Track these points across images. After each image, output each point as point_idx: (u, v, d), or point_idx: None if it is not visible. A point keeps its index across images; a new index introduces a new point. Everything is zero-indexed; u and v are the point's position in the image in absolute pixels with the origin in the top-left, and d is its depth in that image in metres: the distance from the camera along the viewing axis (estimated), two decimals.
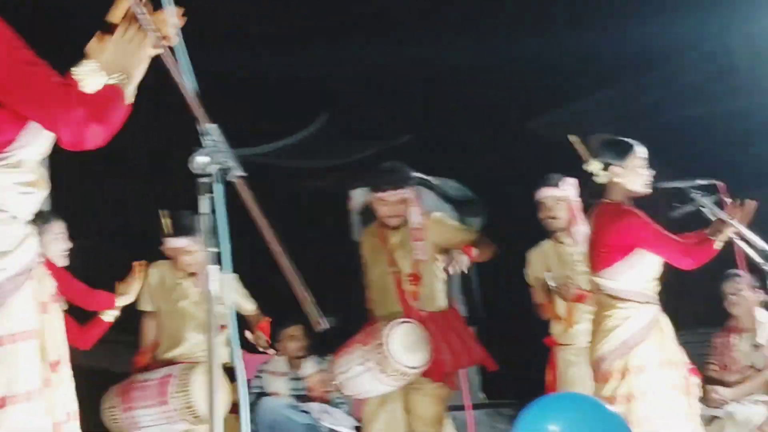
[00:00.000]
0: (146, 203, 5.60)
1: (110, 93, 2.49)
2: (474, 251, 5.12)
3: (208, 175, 2.30)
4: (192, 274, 5.51)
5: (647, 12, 9.38)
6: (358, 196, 5.44)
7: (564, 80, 10.31)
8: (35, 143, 2.46)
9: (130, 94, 2.55)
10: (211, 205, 2.31)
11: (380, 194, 5.20)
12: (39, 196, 2.53)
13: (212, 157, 2.30)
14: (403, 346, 4.80)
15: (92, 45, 2.59)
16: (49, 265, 2.85)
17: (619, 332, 4.45)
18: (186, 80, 2.35)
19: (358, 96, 14.17)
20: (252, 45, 11.07)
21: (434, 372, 4.94)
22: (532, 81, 10.41)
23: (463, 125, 11.61)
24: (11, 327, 2.39)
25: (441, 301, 5.20)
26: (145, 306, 5.59)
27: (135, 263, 5.37)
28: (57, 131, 2.42)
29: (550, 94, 10.18)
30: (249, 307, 5.71)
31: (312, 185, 13.49)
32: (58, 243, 4.94)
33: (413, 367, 4.81)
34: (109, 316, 5.19)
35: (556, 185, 5.61)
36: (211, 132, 2.31)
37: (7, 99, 2.38)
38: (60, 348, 2.55)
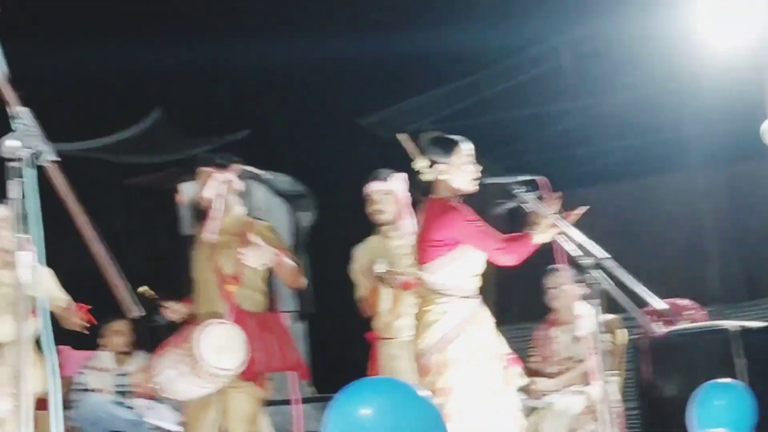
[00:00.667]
0: None
1: None
2: (284, 263, 5.10)
3: (19, 160, 2.24)
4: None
5: (480, 13, 9.62)
6: (188, 190, 5.33)
7: (396, 78, 10.47)
8: None
9: None
10: (22, 190, 2.25)
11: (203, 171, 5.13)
12: None
13: (23, 140, 2.24)
14: (215, 348, 4.68)
15: None
16: None
17: (437, 327, 4.52)
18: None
19: (191, 93, 14.00)
20: (76, 39, 10.78)
21: (245, 371, 4.86)
22: (364, 79, 10.53)
23: (296, 122, 11.64)
24: None
25: (262, 302, 5.15)
26: None
27: None
28: None
29: (382, 91, 10.33)
30: (63, 298, 5.46)
31: (145, 181, 13.25)
32: None
33: (226, 369, 4.72)
34: None
35: (384, 179, 5.68)
36: (23, 115, 2.25)
37: None
38: None
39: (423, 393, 3.25)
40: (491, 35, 9.21)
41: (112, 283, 2.20)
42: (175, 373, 4.77)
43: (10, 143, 2.23)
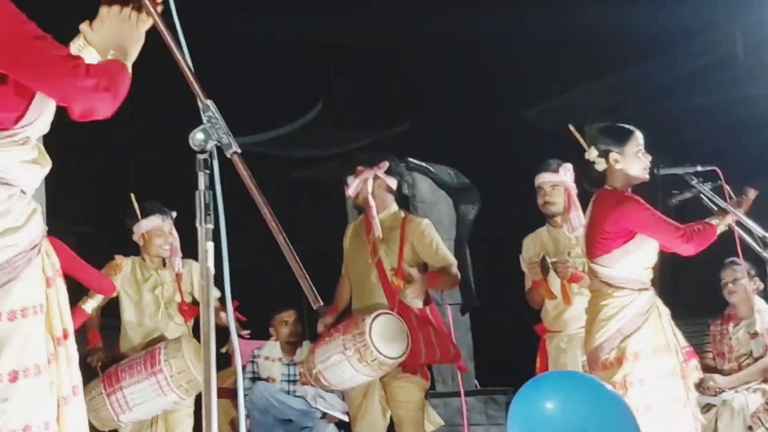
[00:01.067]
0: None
1: (114, 65, 2.51)
2: (439, 280, 5.19)
3: (206, 152, 2.28)
4: (163, 263, 5.53)
5: None
6: (354, 184, 5.40)
7: (563, 67, 10.28)
8: (40, 120, 2.49)
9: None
10: (208, 181, 2.29)
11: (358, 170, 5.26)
12: (43, 172, 2.56)
13: (210, 133, 2.28)
14: (383, 337, 4.83)
15: (86, 25, 2.59)
16: (52, 240, 2.85)
17: (614, 320, 4.43)
18: (184, 55, 2.33)
19: (353, 85, 14.13)
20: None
21: (409, 363, 5.00)
22: (528, 70, 10.38)
23: (459, 114, 11.59)
24: (22, 301, 2.41)
25: (421, 297, 5.23)
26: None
27: (117, 257, 5.43)
28: (69, 102, 2.43)
29: (547, 82, 10.16)
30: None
31: (307, 175, 13.48)
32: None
33: (392, 358, 4.85)
34: (90, 306, 5.16)
35: (554, 170, 5.60)
36: (209, 108, 2.29)
37: (17, 74, 2.39)
38: (65, 322, 2.57)
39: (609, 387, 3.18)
40: (664, 20, 8.96)
41: (298, 275, 2.21)
42: (341, 357, 4.89)
43: (199, 136, 2.27)
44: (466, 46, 10.76)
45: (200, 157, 2.28)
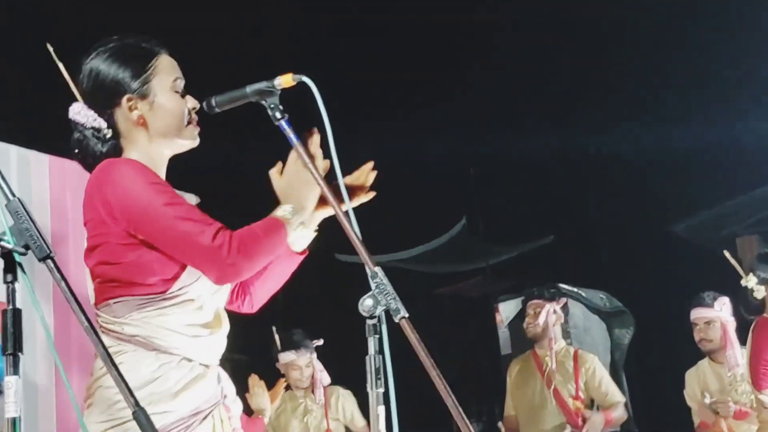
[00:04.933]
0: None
1: (272, 228, 2.45)
2: (613, 416, 5.23)
3: (375, 317, 2.35)
4: (311, 391, 5.64)
5: None
6: (507, 310, 5.51)
7: (711, 177, 10.06)
8: (202, 280, 2.44)
9: (297, 235, 2.54)
10: (378, 345, 2.36)
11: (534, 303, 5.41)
12: (215, 338, 2.52)
13: (378, 299, 2.35)
14: None
15: (275, 171, 2.57)
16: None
17: None
18: (353, 225, 2.40)
19: (497, 196, 14.14)
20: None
21: None
22: (676, 180, 10.22)
23: (606, 228, 11.46)
24: None
25: None
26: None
27: (279, 380, 5.52)
28: (201, 270, 2.41)
29: (695, 194, 9.94)
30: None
31: (454, 290, 13.50)
32: None
33: None
34: None
35: (708, 305, 5.43)
36: (378, 274, 2.36)
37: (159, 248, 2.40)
38: None
39: None
40: None
41: (455, 414, 2.25)
42: None
43: (368, 302, 2.34)
44: (616, 160, 10.69)
45: (369, 322, 2.35)
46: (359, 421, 5.76)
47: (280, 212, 2.50)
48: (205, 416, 2.44)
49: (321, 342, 5.69)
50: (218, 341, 2.55)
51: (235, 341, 2.75)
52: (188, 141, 2.59)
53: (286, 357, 5.65)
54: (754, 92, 9.30)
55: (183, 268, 2.42)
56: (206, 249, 2.33)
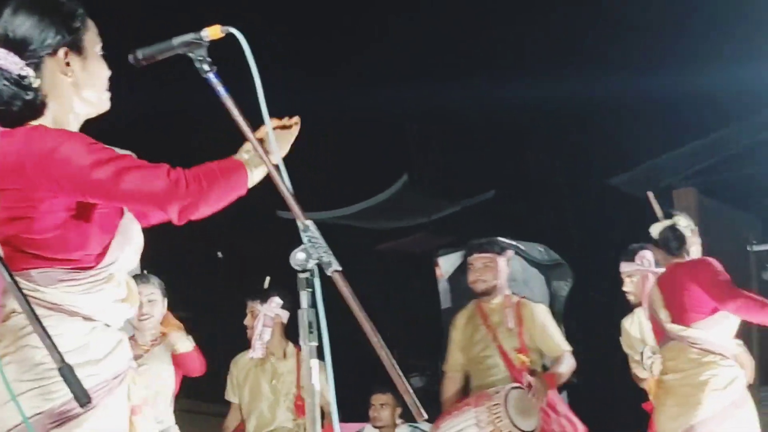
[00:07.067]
0: None
1: (231, 168, 2.43)
2: (559, 371, 5.19)
3: (307, 271, 2.33)
4: (284, 354, 5.63)
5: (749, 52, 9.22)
6: (446, 264, 5.48)
7: (647, 132, 10.18)
8: (123, 257, 2.47)
9: (255, 177, 2.48)
10: (310, 299, 2.35)
11: (468, 258, 5.33)
12: (130, 312, 2.55)
13: (310, 252, 2.33)
14: (519, 411, 4.87)
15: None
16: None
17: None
18: (284, 179, 2.37)
19: (431, 156, 14.15)
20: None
21: None
22: (614, 135, 10.31)
23: (543, 182, 11.55)
24: (97, 429, 2.36)
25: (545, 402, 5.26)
26: (231, 398, 5.70)
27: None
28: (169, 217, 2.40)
29: (632, 148, 10.05)
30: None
31: (395, 246, 13.54)
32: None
33: (526, 431, 4.87)
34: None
35: (630, 260, 5.48)
36: (309, 228, 2.34)
37: (107, 204, 2.38)
38: None
39: None
40: (742, 85, 8.85)
41: (401, 390, 2.24)
42: (476, 429, 4.90)
43: (300, 255, 2.32)
44: (554, 112, 10.74)
45: (301, 276, 2.33)
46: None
47: (238, 154, 2.47)
48: (122, 379, 2.45)
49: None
50: (131, 311, 2.57)
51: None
52: (105, 105, 2.54)
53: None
54: (690, 46, 9.39)
55: (108, 244, 2.41)
56: (163, 186, 2.30)
